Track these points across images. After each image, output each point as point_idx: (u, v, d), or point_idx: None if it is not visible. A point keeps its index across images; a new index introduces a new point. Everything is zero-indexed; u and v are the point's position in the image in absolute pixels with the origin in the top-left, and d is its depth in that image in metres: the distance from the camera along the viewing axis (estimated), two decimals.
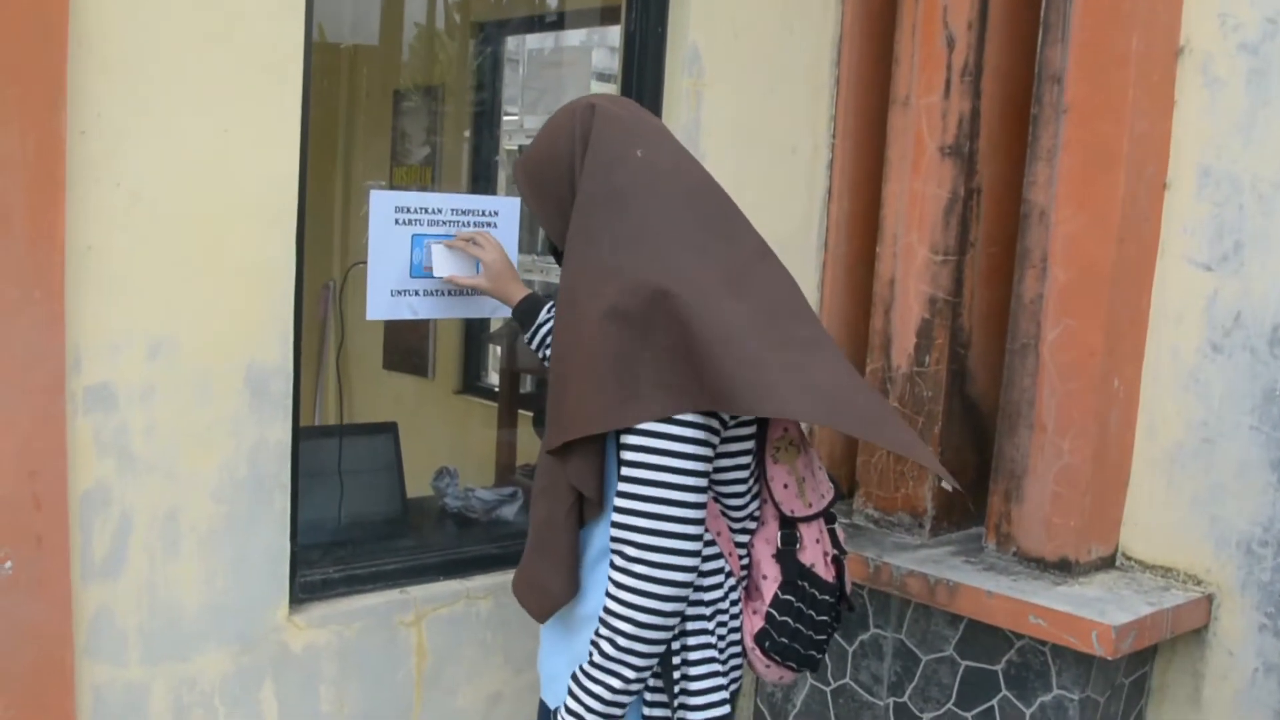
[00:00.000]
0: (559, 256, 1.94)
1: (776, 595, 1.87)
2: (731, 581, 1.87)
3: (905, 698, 2.94)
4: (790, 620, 1.87)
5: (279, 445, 2.30)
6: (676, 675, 1.81)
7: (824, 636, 1.92)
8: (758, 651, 1.89)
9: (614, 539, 1.73)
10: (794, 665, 1.90)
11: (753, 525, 1.90)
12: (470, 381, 4.84)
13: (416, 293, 2.42)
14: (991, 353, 3.05)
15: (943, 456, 3.01)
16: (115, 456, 2.11)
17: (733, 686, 1.92)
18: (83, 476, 2.07)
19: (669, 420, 1.70)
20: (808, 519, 1.92)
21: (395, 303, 2.41)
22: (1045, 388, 2.80)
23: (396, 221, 2.37)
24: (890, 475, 3.10)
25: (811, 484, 1.94)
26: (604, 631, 1.73)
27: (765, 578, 1.89)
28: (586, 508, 1.82)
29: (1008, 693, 2.76)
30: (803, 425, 1.99)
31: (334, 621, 2.43)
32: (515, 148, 5.36)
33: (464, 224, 2.45)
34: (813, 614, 1.89)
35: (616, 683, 1.73)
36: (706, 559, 1.82)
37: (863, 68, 3.23)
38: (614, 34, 3.11)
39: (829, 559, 1.93)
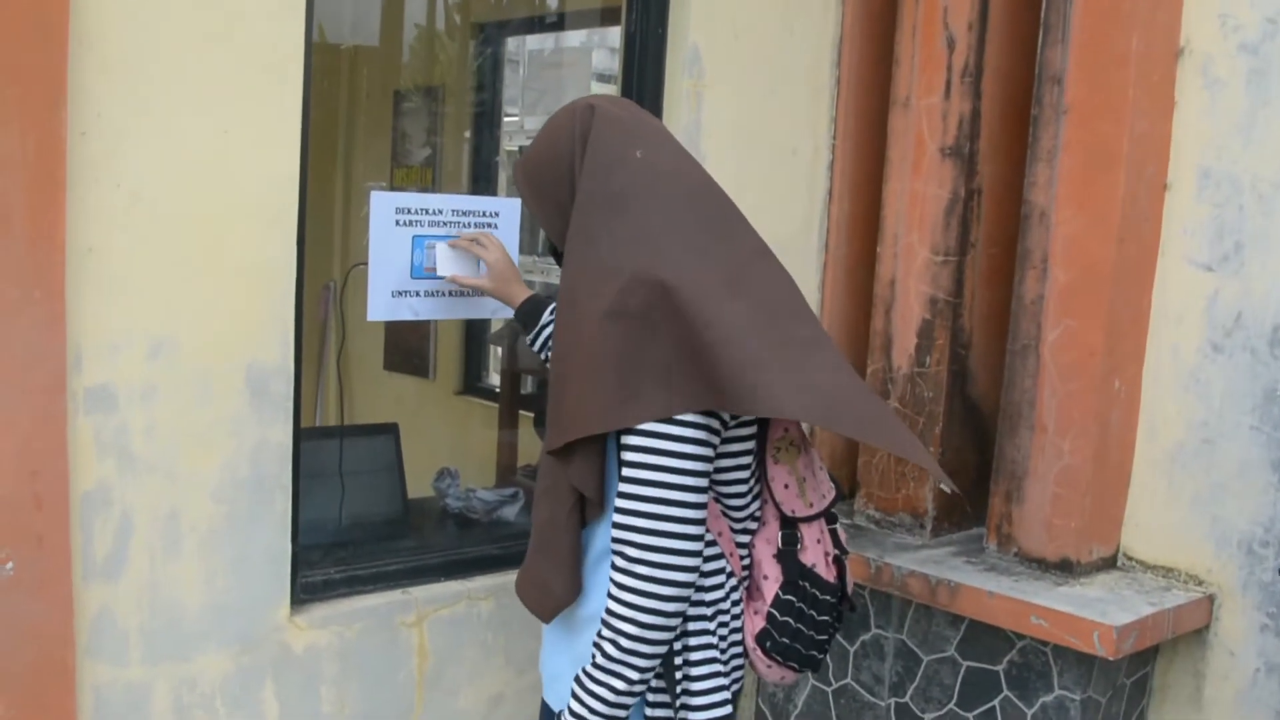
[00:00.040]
0: (559, 257, 1.94)
1: (778, 595, 1.87)
2: (733, 582, 1.87)
3: (907, 698, 2.94)
4: (791, 620, 1.87)
5: (280, 446, 2.30)
6: (678, 676, 1.81)
7: (825, 637, 1.92)
8: (759, 652, 1.89)
9: (615, 539, 1.73)
10: (795, 665, 1.89)
11: (754, 525, 1.90)
12: (471, 382, 4.84)
13: (417, 294, 2.42)
14: (992, 353, 3.04)
15: (943, 457, 3.01)
16: (116, 457, 2.11)
17: (734, 687, 1.92)
18: (83, 477, 2.07)
19: (669, 420, 1.70)
20: (808, 519, 1.92)
21: (396, 304, 2.41)
22: (1046, 388, 2.79)
23: (397, 222, 2.37)
24: (891, 476, 3.10)
25: (812, 484, 1.94)
26: (606, 633, 1.73)
27: (766, 578, 1.88)
28: (588, 508, 1.82)
29: (1009, 693, 2.76)
30: (803, 425, 1.99)
31: (335, 622, 2.43)
32: (515, 149, 5.36)
33: (465, 225, 2.45)
34: (814, 614, 1.89)
35: (620, 684, 1.73)
36: (708, 559, 1.82)
37: (863, 69, 3.23)
38: (614, 35, 3.12)
39: (830, 559, 1.93)
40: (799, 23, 3.12)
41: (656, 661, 1.75)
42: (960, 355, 3.01)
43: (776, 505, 1.90)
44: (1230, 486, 2.72)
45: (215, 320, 2.19)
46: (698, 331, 1.70)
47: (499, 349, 4.42)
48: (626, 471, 1.72)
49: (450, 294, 2.45)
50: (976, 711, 2.81)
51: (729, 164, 2.92)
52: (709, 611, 1.83)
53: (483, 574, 2.67)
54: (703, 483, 1.73)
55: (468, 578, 2.65)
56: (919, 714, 2.92)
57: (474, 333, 4.79)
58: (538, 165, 1.94)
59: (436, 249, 2.38)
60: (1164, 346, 2.82)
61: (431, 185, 4.79)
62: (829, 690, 3.10)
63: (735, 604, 1.88)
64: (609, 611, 1.73)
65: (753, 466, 1.88)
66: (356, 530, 2.77)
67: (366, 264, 2.38)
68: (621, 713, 1.76)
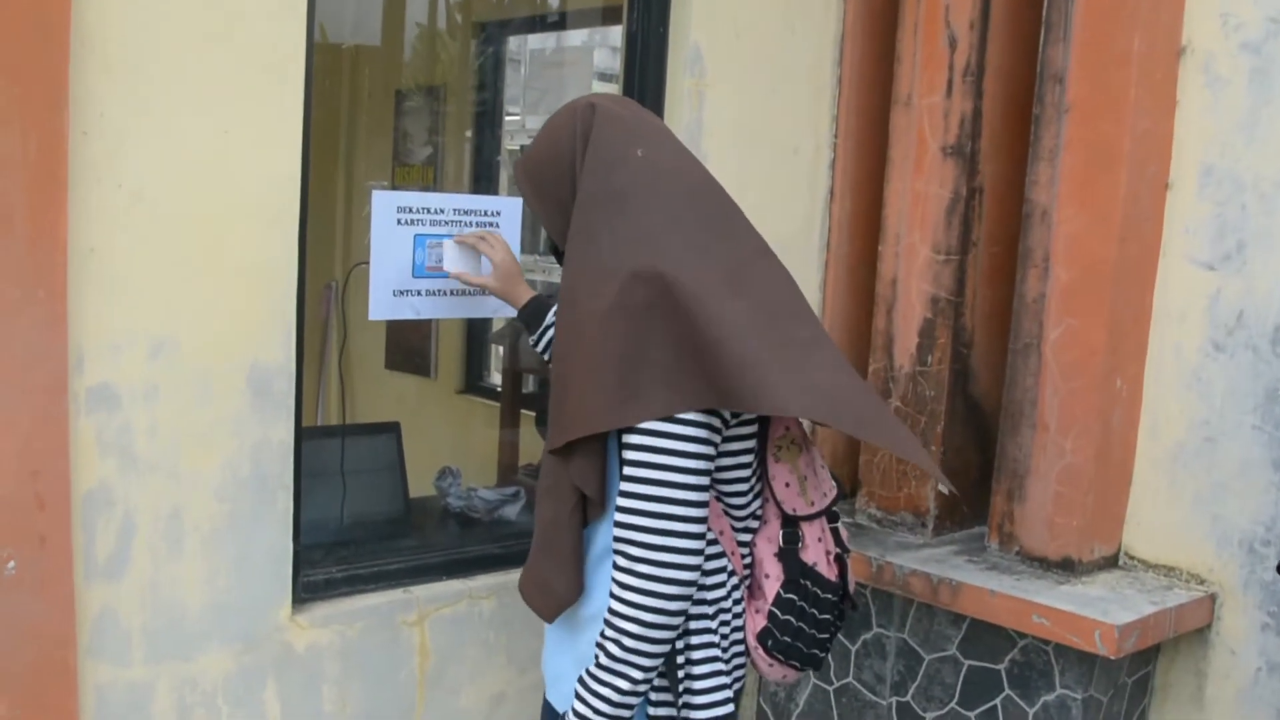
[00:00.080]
0: (560, 256, 1.94)
1: (779, 594, 1.87)
2: (734, 580, 1.87)
3: (908, 697, 2.94)
4: (793, 619, 1.87)
5: (281, 445, 2.30)
6: (681, 675, 1.81)
7: (827, 635, 1.92)
8: (760, 650, 1.89)
9: (617, 539, 1.73)
10: (797, 664, 1.89)
11: (755, 524, 1.90)
12: (472, 381, 4.84)
13: (419, 293, 2.42)
14: (994, 352, 3.04)
15: (945, 456, 3.01)
16: (118, 456, 2.11)
17: (736, 685, 1.91)
18: (85, 476, 2.08)
19: (670, 419, 1.70)
20: (810, 517, 1.92)
21: (397, 303, 2.41)
22: (1048, 387, 2.79)
23: (399, 222, 2.38)
24: (893, 475, 3.10)
25: (813, 482, 1.94)
26: (610, 633, 1.73)
27: (768, 576, 1.88)
28: (589, 507, 1.82)
29: (1011, 692, 2.76)
30: (804, 424, 1.99)
31: (337, 621, 2.43)
32: (517, 148, 5.36)
33: (466, 224, 2.45)
34: (815, 613, 1.89)
35: (624, 684, 1.73)
36: (709, 558, 1.82)
37: (865, 67, 3.23)
38: (616, 34, 3.11)
39: (831, 558, 1.93)
40: (800, 21, 3.12)
41: (660, 661, 1.75)
42: (962, 354, 3.01)
43: (778, 504, 1.90)
44: (1232, 485, 2.72)
45: (217, 320, 2.19)
46: (699, 329, 1.70)
47: (500, 348, 4.42)
48: (628, 470, 1.72)
49: (452, 293, 2.45)
50: (978, 710, 2.81)
51: (730, 163, 2.92)
52: (711, 610, 1.83)
53: (484, 573, 2.67)
54: (704, 481, 1.73)
55: (469, 577, 2.65)
56: (920, 713, 2.92)
57: (475, 332, 4.79)
58: (539, 164, 1.94)
59: (444, 245, 2.38)
60: (1166, 345, 2.82)
61: (433, 184, 4.79)
62: (830, 689, 3.10)
63: (737, 602, 1.88)
64: (611, 611, 1.73)
65: (754, 465, 1.88)
66: (358, 529, 2.77)
67: (368, 263, 2.38)
68: (626, 713, 1.76)
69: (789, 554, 1.89)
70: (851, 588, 1.99)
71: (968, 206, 2.96)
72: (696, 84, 2.90)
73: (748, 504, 1.88)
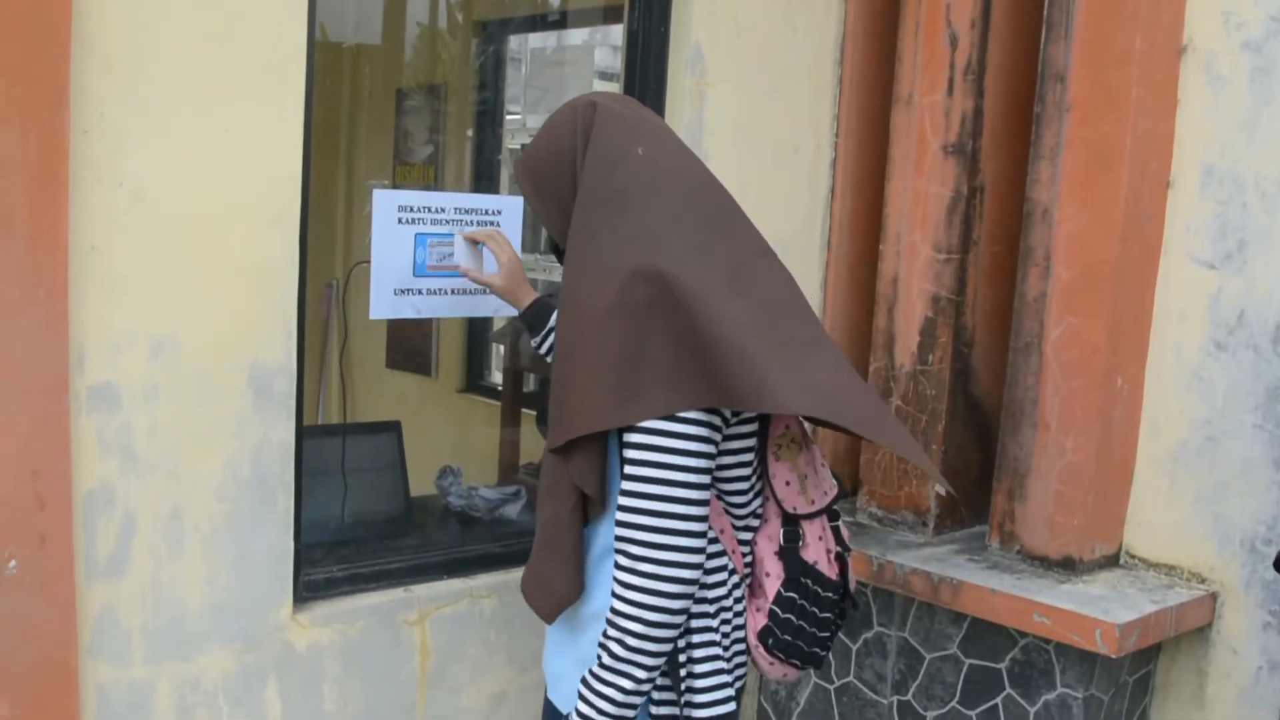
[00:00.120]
0: (561, 255, 1.94)
1: (779, 592, 1.87)
2: (735, 579, 1.87)
3: (909, 696, 2.94)
4: (793, 618, 1.87)
5: (282, 444, 2.30)
6: (683, 674, 1.81)
7: (828, 634, 1.92)
8: (761, 649, 1.89)
9: (618, 538, 1.73)
10: (798, 663, 1.89)
11: (755, 523, 1.90)
12: (473, 380, 4.84)
13: (419, 292, 2.42)
14: (995, 351, 3.04)
15: (946, 455, 3.01)
16: (118, 456, 2.11)
17: (737, 684, 1.91)
18: (86, 476, 2.08)
19: (671, 418, 1.70)
20: (810, 516, 1.92)
21: (398, 302, 2.41)
22: (1049, 386, 2.79)
23: (400, 221, 2.38)
24: (894, 474, 3.10)
25: (814, 481, 1.94)
26: (612, 633, 1.73)
27: (768, 575, 1.89)
28: (590, 506, 1.82)
29: (1011, 691, 2.76)
30: (804, 423, 1.99)
31: (337, 620, 2.43)
32: (518, 147, 5.36)
33: (467, 223, 2.45)
34: (816, 611, 1.89)
35: (628, 684, 1.73)
36: (710, 556, 1.82)
37: (865, 66, 3.23)
38: (617, 33, 3.12)
39: (832, 556, 1.93)
40: (801, 20, 3.11)
41: (663, 660, 1.75)
42: (963, 353, 3.01)
43: (778, 502, 1.90)
44: (1233, 485, 2.72)
45: (217, 319, 2.19)
46: (700, 328, 1.70)
47: (501, 347, 4.42)
48: (629, 469, 1.72)
49: (453, 292, 2.45)
50: (979, 709, 2.81)
51: (731, 162, 2.92)
52: (712, 609, 1.83)
53: (485, 572, 2.67)
54: (705, 480, 1.73)
55: (470, 576, 2.65)
56: (921, 712, 2.92)
57: (476, 331, 4.79)
58: (539, 162, 1.94)
59: (455, 240, 2.38)
60: (1167, 344, 2.82)
61: (434, 183, 4.79)
62: (831, 688, 3.10)
63: (738, 601, 1.88)
64: (614, 611, 1.73)
65: (754, 464, 1.88)
66: (359, 528, 2.77)
67: (369, 262, 2.38)
68: (630, 712, 1.76)
69: (790, 552, 1.89)
70: (852, 586, 1.99)
71: (969, 205, 2.95)
72: (697, 83, 2.90)
73: (748, 502, 1.88)
